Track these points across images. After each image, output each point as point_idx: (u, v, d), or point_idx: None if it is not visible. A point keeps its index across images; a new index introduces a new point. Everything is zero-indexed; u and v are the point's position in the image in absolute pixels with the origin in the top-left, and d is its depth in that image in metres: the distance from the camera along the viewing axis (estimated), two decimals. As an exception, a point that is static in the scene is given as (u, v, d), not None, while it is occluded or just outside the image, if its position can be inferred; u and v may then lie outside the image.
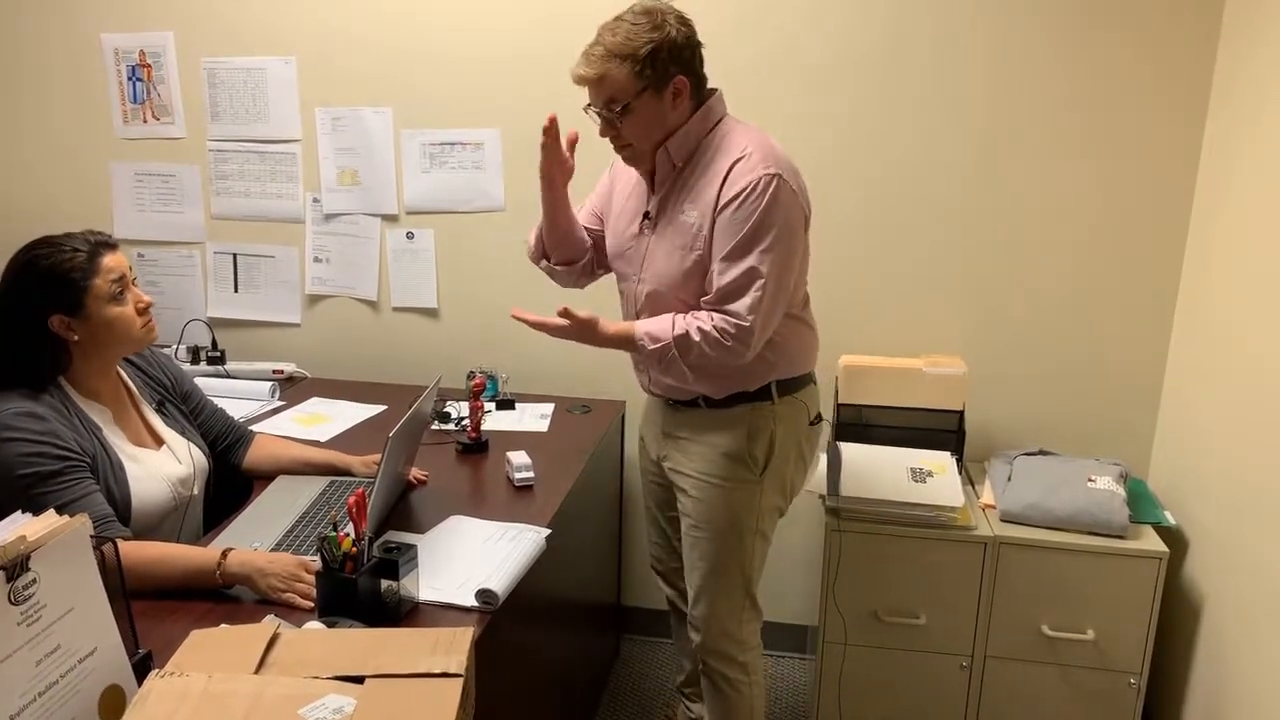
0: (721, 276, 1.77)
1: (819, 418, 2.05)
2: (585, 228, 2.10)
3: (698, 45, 1.81)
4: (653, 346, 1.83)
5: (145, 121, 2.91)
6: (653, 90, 1.77)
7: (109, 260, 1.72)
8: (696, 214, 1.80)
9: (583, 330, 1.84)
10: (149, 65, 2.87)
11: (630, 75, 1.75)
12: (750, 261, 1.74)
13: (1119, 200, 2.47)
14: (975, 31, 2.44)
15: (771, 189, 1.73)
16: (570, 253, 2.08)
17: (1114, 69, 2.40)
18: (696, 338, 1.79)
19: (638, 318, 1.94)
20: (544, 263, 2.12)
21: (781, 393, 1.93)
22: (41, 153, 3.00)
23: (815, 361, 2.03)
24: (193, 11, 2.80)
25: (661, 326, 1.83)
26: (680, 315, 1.83)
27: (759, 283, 1.74)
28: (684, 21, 1.79)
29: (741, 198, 1.74)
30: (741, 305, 1.76)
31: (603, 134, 1.84)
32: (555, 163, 1.93)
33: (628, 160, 1.89)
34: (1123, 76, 2.40)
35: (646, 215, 1.92)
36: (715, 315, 1.79)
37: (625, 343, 1.88)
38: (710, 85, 1.88)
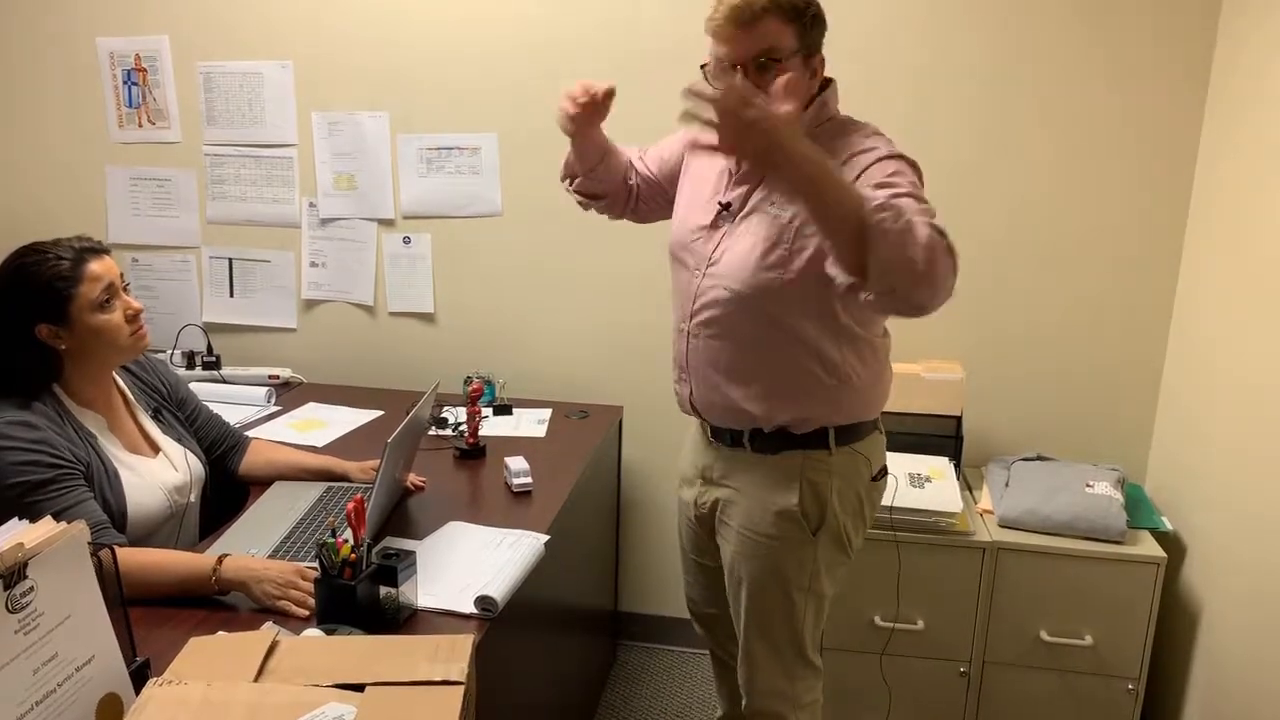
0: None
1: (883, 472, 1.84)
2: (641, 174, 1.94)
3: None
4: (889, 208, 1.34)
5: (140, 126, 2.90)
6: (804, 57, 1.59)
7: (96, 267, 1.70)
8: (791, 207, 1.60)
9: (771, 132, 1.32)
10: (144, 69, 2.86)
11: (793, 31, 1.57)
12: (903, 190, 1.48)
13: (1115, 206, 2.47)
14: (973, 37, 2.44)
15: (902, 162, 1.55)
16: (599, 187, 1.92)
17: (1110, 74, 2.40)
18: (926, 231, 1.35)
19: (692, 317, 1.73)
20: (567, 184, 1.95)
21: (839, 442, 1.72)
22: (36, 157, 2.98)
23: (881, 409, 1.82)
24: (188, 15, 2.79)
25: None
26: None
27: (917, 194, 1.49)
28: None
29: (872, 170, 1.52)
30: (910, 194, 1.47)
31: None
32: (588, 121, 1.78)
33: None
34: (1119, 82, 2.40)
35: (727, 206, 1.70)
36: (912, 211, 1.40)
37: (832, 191, 1.35)
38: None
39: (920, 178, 1.60)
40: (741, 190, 1.71)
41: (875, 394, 1.78)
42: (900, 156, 1.58)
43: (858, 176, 1.54)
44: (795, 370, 1.69)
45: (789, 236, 1.61)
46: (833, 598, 1.85)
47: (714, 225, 1.73)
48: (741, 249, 1.67)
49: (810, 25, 1.59)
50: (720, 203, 1.72)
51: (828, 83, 1.71)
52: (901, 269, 1.35)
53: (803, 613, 1.80)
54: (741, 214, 1.69)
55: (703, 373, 1.77)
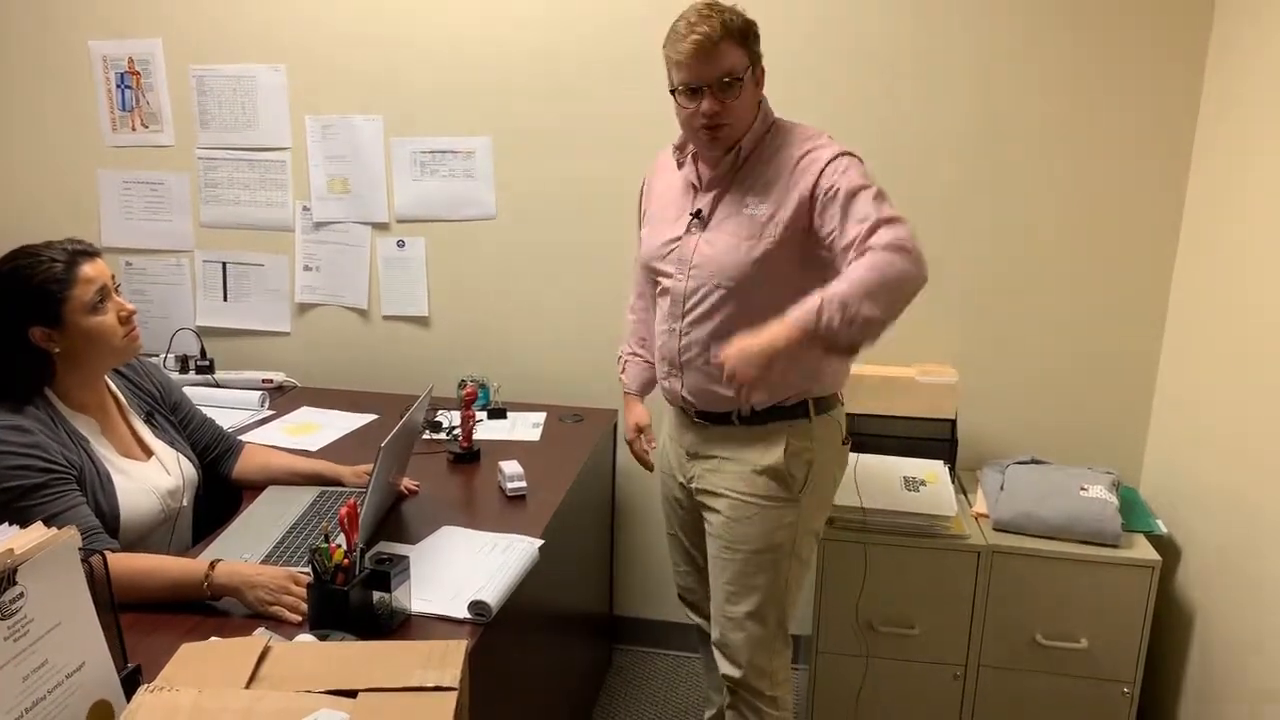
0: (847, 222, 1.67)
1: (848, 439, 2.00)
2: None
3: None
4: (825, 308, 1.57)
5: (134, 129, 2.90)
6: (753, 69, 1.78)
7: (88, 269, 1.70)
8: (765, 206, 1.78)
9: (747, 358, 1.60)
10: (137, 73, 2.85)
11: (744, 51, 1.76)
12: (860, 190, 1.68)
13: (1110, 208, 2.48)
14: (967, 41, 2.45)
15: (851, 158, 1.73)
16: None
17: (1103, 84, 2.41)
18: (886, 260, 1.59)
19: (684, 317, 1.87)
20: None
21: (819, 411, 1.89)
22: (29, 161, 2.97)
23: (845, 380, 1.99)
24: (182, 19, 2.79)
25: (840, 287, 1.59)
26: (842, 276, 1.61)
27: (874, 191, 1.68)
28: None
29: (829, 170, 1.71)
30: (879, 213, 1.64)
31: (706, 112, 1.75)
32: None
33: (718, 145, 1.80)
34: (1112, 91, 2.41)
35: (697, 214, 1.86)
36: (871, 240, 1.62)
37: (805, 322, 1.58)
38: None
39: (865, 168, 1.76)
40: (710, 196, 1.86)
41: (844, 365, 1.94)
42: (848, 153, 1.76)
43: (818, 175, 1.73)
44: None
45: (770, 231, 1.77)
46: (810, 570, 2.00)
47: (688, 232, 1.88)
48: (724, 247, 1.81)
49: (754, 42, 1.79)
50: (691, 212, 1.88)
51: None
52: (873, 329, 1.60)
53: (786, 578, 1.91)
54: (714, 218, 1.85)
55: (698, 365, 1.88)
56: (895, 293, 1.60)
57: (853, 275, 1.59)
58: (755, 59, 1.79)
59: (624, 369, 2.22)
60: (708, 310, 1.84)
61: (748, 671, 1.96)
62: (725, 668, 1.99)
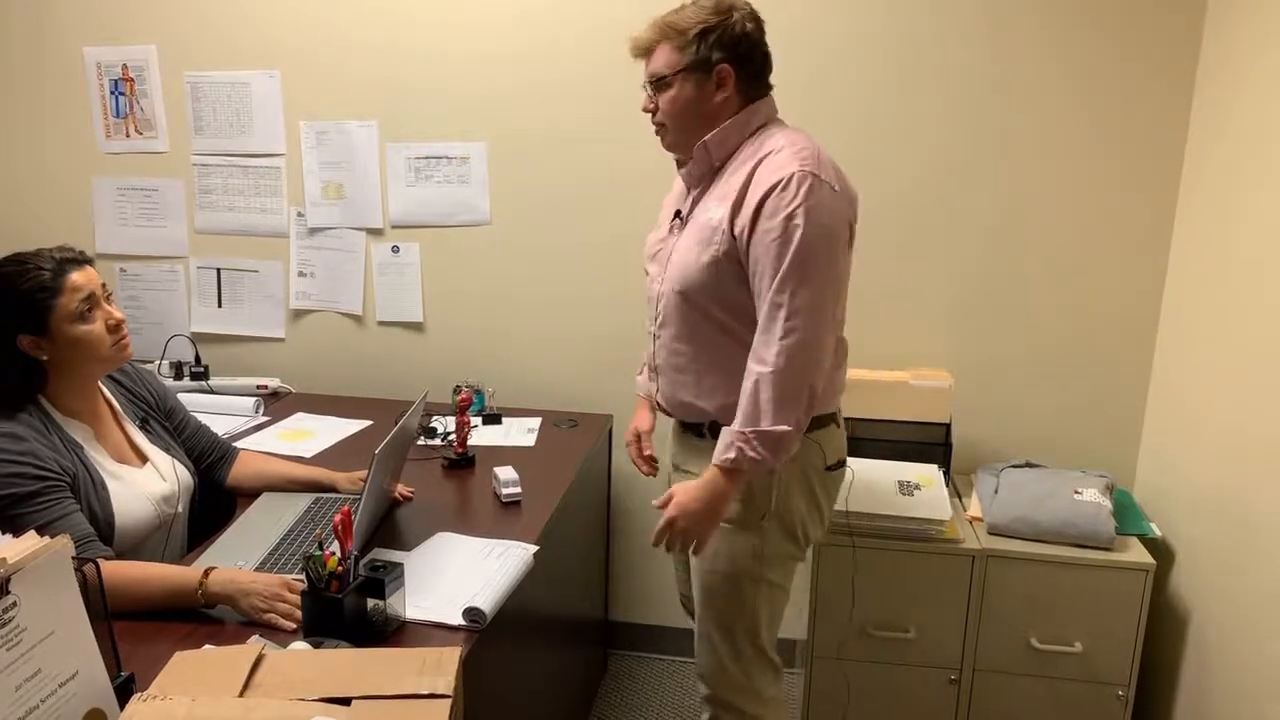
0: (763, 306, 1.67)
1: (840, 464, 1.90)
2: None
3: (758, 45, 1.77)
4: (733, 447, 1.65)
5: (128, 136, 2.89)
6: (691, 72, 1.73)
7: (76, 278, 1.69)
8: (721, 212, 1.72)
9: (681, 511, 1.69)
10: (132, 79, 2.85)
11: (674, 51, 1.72)
12: (788, 284, 1.63)
13: (1103, 211, 2.49)
14: (962, 52, 2.45)
15: (805, 186, 1.62)
16: None
17: (1097, 90, 2.42)
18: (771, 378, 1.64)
19: (655, 319, 1.87)
20: None
21: None
22: (23, 167, 2.97)
23: (837, 401, 1.89)
24: (176, 25, 2.79)
25: (745, 411, 1.66)
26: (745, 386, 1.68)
27: (797, 302, 1.63)
28: (753, 19, 1.76)
29: (771, 200, 1.64)
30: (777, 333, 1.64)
31: (644, 108, 1.81)
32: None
33: (664, 144, 1.84)
34: (1104, 95, 2.42)
35: (678, 214, 1.86)
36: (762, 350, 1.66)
37: (729, 474, 1.68)
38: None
39: (829, 184, 1.67)
40: (691, 197, 1.85)
41: (826, 387, 1.79)
42: (791, 178, 1.64)
43: (748, 177, 1.69)
44: (739, 365, 1.72)
45: (718, 238, 1.72)
46: (788, 593, 1.91)
47: (671, 233, 1.87)
48: (682, 251, 1.80)
49: (696, 44, 1.72)
50: (677, 211, 1.88)
51: (757, 96, 1.80)
52: (788, 443, 1.67)
53: (753, 601, 1.84)
54: (689, 221, 1.83)
55: (665, 371, 1.88)
56: (803, 382, 1.67)
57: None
58: (698, 62, 1.72)
59: (641, 371, 2.19)
60: (668, 316, 1.83)
61: (723, 690, 1.91)
62: (699, 686, 1.95)
